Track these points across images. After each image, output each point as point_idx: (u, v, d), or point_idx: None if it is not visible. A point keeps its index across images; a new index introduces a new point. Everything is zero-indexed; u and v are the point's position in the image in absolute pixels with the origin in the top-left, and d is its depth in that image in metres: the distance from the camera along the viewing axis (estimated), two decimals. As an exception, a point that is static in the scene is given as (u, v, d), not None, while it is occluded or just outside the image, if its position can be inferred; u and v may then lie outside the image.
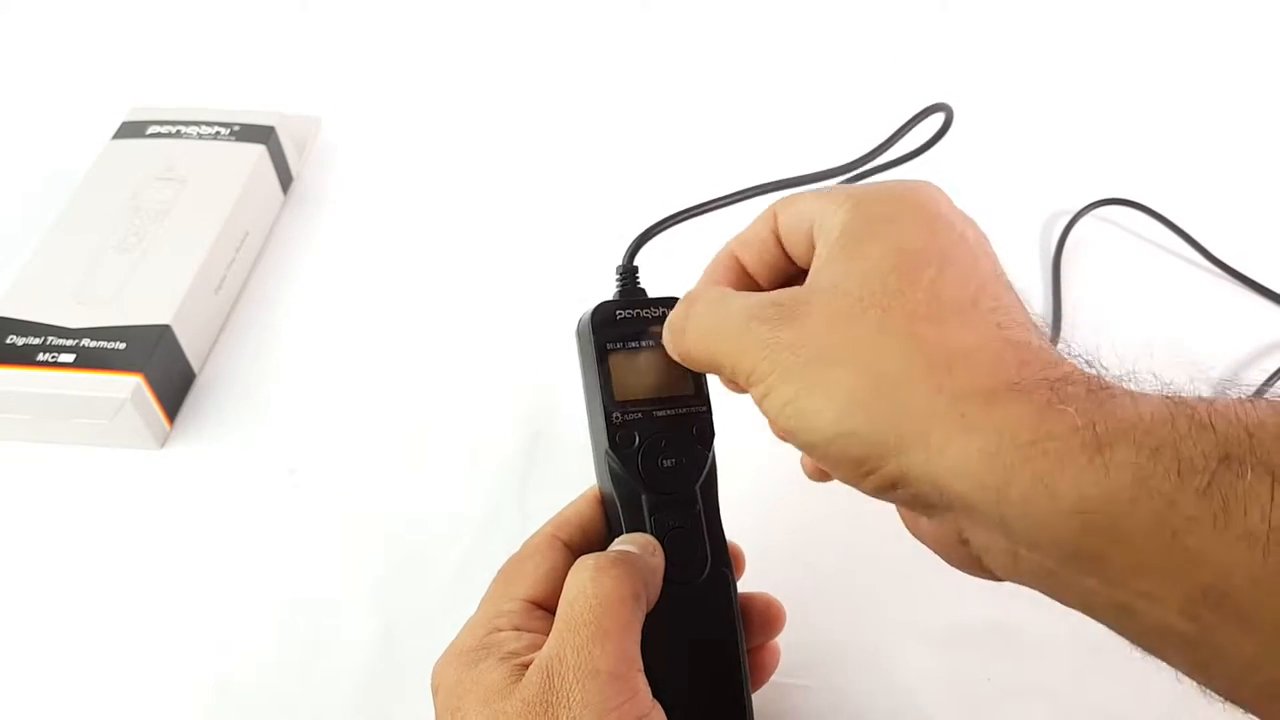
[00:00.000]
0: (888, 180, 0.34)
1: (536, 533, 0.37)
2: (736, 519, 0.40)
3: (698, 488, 0.36)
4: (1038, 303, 0.58)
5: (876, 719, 0.42)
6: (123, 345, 0.51)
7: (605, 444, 0.36)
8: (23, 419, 0.51)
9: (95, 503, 0.50)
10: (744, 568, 0.39)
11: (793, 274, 0.36)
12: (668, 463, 0.36)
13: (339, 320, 0.59)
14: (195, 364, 0.55)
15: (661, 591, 0.34)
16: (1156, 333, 0.52)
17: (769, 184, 0.39)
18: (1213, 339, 0.55)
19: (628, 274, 0.39)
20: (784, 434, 0.30)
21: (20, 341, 0.51)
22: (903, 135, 0.40)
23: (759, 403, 0.30)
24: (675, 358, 0.35)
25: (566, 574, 0.34)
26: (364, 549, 0.48)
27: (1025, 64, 0.76)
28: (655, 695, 0.33)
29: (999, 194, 0.62)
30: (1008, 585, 0.30)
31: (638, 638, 0.31)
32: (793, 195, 0.35)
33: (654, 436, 0.36)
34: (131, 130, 0.63)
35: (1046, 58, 0.76)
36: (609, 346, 0.37)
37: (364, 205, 0.66)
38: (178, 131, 0.63)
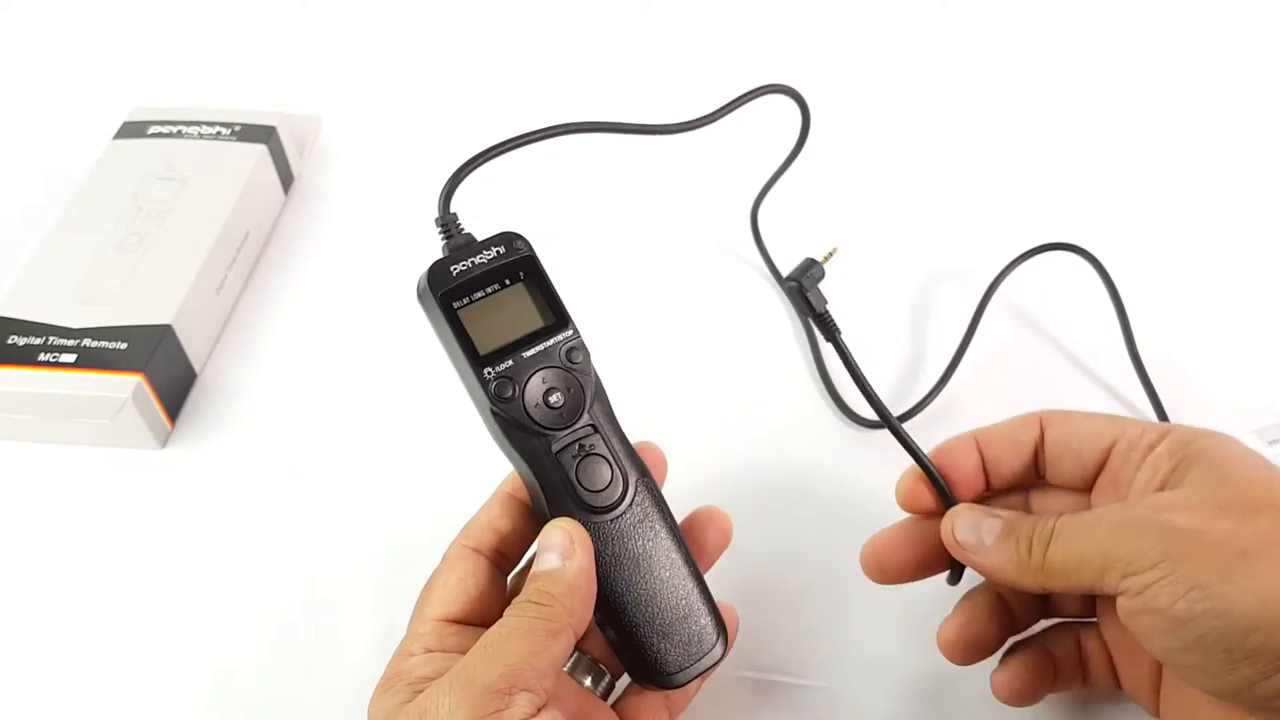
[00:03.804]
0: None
1: (451, 545, 0.37)
2: (737, 518, 0.40)
3: (591, 412, 0.36)
4: (945, 345, 0.55)
5: (878, 719, 0.42)
6: (124, 345, 0.51)
7: (487, 403, 0.35)
8: (24, 419, 0.51)
9: (96, 503, 0.50)
10: (665, 468, 0.40)
11: (1025, 483, 0.39)
12: (554, 398, 0.36)
13: (340, 320, 0.59)
14: (196, 364, 0.55)
15: (591, 526, 0.35)
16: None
17: (581, 123, 0.39)
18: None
19: (449, 225, 0.37)
20: (1169, 621, 0.30)
21: (21, 341, 0.52)
22: (736, 108, 0.45)
23: (1143, 589, 0.31)
24: (1021, 581, 0.35)
25: (483, 582, 0.36)
26: (364, 549, 0.48)
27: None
28: (610, 626, 0.35)
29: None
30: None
31: (543, 665, 0.32)
32: (1065, 414, 0.38)
33: (531, 378, 0.36)
34: (132, 130, 0.63)
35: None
36: (455, 305, 0.35)
37: (365, 205, 0.67)
38: (179, 131, 0.63)
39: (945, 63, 0.77)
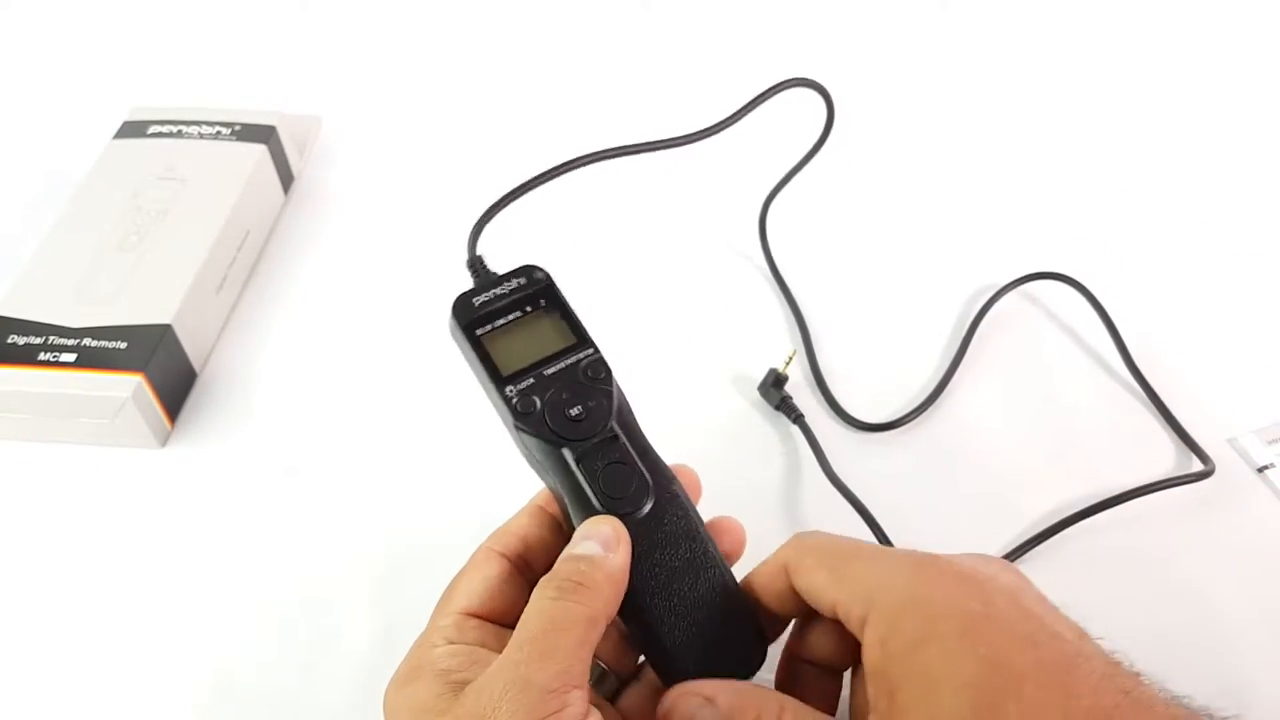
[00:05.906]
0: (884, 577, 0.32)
1: (478, 548, 0.37)
2: (741, 517, 0.40)
3: (613, 423, 0.37)
4: (929, 372, 0.55)
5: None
6: (124, 345, 0.51)
7: (511, 420, 0.36)
8: (24, 419, 0.51)
9: (96, 502, 0.50)
10: (699, 489, 0.39)
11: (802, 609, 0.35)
12: (574, 411, 0.36)
13: (340, 320, 0.59)
14: (196, 363, 0.55)
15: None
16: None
17: (602, 151, 0.41)
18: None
19: (475, 265, 0.40)
20: None
21: (21, 341, 0.52)
22: (759, 104, 0.44)
23: None
24: None
25: (505, 584, 0.36)
26: (364, 548, 0.48)
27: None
28: (649, 633, 0.34)
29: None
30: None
31: (587, 657, 0.32)
32: (798, 561, 0.34)
33: (552, 393, 0.37)
34: (132, 130, 0.63)
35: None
36: (479, 332, 0.37)
37: (365, 204, 0.67)
38: (179, 131, 0.63)
39: (939, 80, 0.77)
